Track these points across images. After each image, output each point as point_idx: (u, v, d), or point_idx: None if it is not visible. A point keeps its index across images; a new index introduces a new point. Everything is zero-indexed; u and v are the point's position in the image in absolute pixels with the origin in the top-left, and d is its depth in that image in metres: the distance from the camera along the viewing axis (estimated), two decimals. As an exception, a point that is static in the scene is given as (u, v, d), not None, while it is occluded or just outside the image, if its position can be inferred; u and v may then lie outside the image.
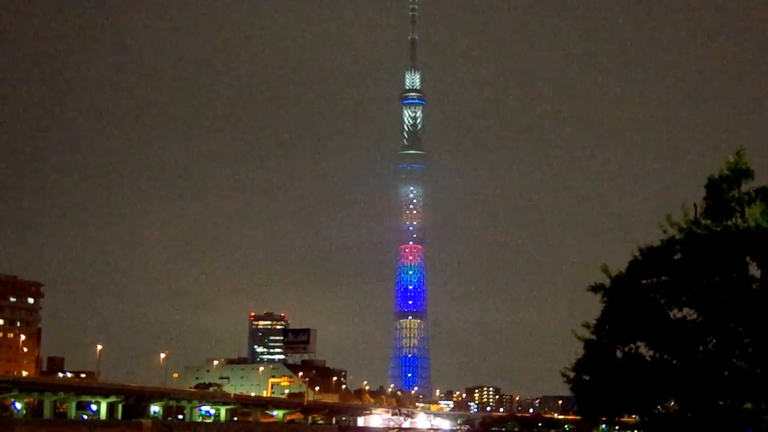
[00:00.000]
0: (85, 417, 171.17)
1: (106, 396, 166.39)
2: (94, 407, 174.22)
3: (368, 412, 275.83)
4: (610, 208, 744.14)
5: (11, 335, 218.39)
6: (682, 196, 26.37)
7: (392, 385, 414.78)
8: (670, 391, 25.47)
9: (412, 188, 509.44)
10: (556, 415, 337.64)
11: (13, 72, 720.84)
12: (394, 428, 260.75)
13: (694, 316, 25.30)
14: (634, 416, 29.07)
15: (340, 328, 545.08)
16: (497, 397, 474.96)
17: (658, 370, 25.16)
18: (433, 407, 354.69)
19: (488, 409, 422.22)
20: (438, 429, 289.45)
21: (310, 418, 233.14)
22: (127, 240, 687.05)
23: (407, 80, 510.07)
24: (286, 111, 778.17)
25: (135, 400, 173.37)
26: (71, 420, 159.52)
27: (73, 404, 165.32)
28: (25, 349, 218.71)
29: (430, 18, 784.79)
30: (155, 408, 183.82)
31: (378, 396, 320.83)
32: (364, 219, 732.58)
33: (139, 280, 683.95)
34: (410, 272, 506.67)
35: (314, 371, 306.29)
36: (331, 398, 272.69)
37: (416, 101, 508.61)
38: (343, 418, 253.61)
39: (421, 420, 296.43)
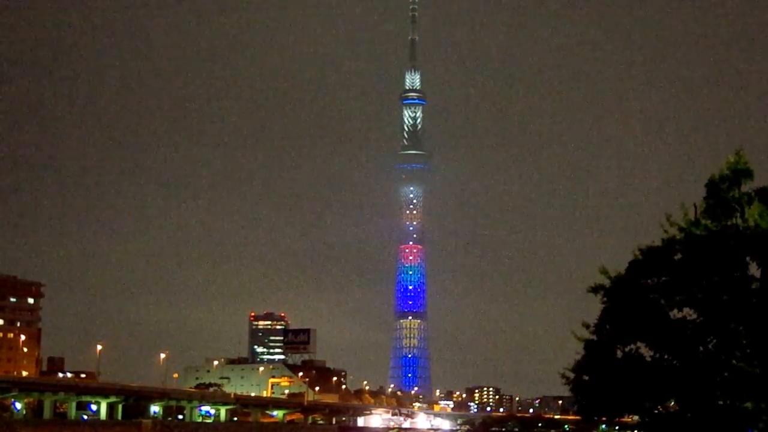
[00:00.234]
0: (85, 417, 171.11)
1: (106, 396, 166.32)
2: (94, 407, 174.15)
3: (368, 412, 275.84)
4: (610, 208, 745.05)
5: (11, 335, 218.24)
6: (682, 196, 26.39)
7: (392, 385, 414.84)
8: (670, 391, 25.46)
9: (412, 188, 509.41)
10: (554, 415, 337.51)
11: (13, 72, 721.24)
12: (394, 428, 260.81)
13: (694, 316, 25.29)
14: (633, 416, 29.08)
15: (340, 328, 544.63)
16: (497, 397, 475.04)
17: (658, 370, 25.16)
18: (437, 407, 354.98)
19: (488, 409, 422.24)
20: (438, 429, 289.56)
21: (310, 418, 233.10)
22: (127, 240, 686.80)
23: (407, 80, 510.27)
24: (286, 111, 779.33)
25: (135, 400, 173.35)
26: (71, 420, 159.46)
27: (73, 404, 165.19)
28: (25, 349, 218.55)
29: (430, 18, 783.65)
30: (155, 408, 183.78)
31: (378, 396, 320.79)
32: (364, 219, 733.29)
33: (139, 280, 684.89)
34: (410, 272, 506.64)
35: (314, 371, 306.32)
36: (331, 398, 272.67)
37: (416, 101, 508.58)
38: (343, 418, 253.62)
39: (421, 420, 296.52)
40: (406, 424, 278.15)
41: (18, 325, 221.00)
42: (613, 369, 25.78)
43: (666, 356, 25.44)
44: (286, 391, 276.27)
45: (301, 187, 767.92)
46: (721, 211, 25.55)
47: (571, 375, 26.84)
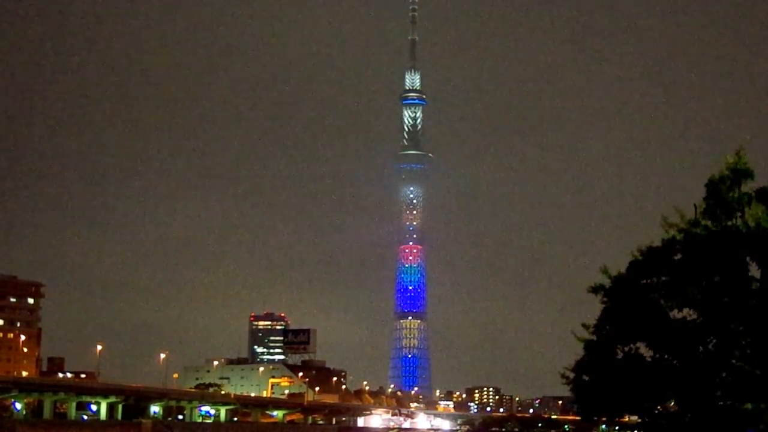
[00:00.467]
0: (85, 417, 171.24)
1: (106, 396, 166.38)
2: (94, 407, 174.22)
3: (368, 412, 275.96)
4: (610, 208, 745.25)
5: (11, 335, 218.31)
6: (682, 196, 26.40)
7: (392, 386, 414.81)
8: (670, 391, 25.46)
9: (412, 188, 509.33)
10: (553, 415, 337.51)
11: (13, 72, 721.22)
12: (393, 428, 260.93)
13: (694, 316, 25.29)
14: (633, 416, 29.08)
15: (340, 328, 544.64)
16: (497, 397, 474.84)
17: (658, 370, 25.14)
18: (440, 408, 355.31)
19: (488, 409, 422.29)
20: (438, 429, 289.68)
21: (310, 418, 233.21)
22: (127, 240, 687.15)
23: (407, 80, 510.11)
24: (286, 111, 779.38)
25: (135, 400, 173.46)
26: (71, 420, 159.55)
27: (73, 404, 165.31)
28: (25, 349, 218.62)
29: (430, 18, 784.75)
30: (155, 408, 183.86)
31: (378, 396, 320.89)
32: (364, 219, 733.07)
33: (139, 280, 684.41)
34: (410, 272, 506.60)
35: (314, 371, 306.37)
36: (331, 398, 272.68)
37: (416, 101, 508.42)
38: (343, 419, 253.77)
39: (421, 420, 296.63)
40: (406, 425, 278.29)
41: (18, 325, 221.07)
42: (613, 369, 25.76)
43: (666, 356, 25.43)
44: (286, 392, 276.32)
45: (301, 187, 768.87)
46: (722, 211, 25.55)
47: (571, 375, 26.82)
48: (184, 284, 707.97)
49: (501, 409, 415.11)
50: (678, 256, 25.67)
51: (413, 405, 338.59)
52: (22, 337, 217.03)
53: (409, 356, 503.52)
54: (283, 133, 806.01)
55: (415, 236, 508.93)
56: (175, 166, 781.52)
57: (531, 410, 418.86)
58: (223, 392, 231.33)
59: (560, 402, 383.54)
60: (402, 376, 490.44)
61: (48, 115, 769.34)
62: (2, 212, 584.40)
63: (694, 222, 25.51)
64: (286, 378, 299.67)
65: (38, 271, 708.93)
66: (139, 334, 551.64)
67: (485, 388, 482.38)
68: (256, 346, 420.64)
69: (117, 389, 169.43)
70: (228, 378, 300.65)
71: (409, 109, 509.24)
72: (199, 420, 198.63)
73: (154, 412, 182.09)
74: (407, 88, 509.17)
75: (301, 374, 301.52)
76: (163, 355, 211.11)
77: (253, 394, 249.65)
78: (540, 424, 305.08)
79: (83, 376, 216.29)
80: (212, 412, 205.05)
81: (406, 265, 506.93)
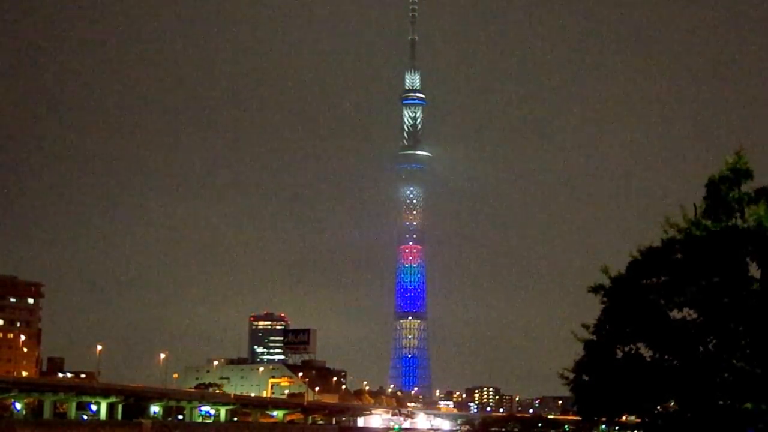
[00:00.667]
0: (85, 417, 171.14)
1: (106, 396, 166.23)
2: (94, 407, 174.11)
3: (368, 412, 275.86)
4: (610, 208, 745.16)
5: (11, 335, 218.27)
6: (682, 196, 26.39)
7: (392, 386, 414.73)
8: (670, 391, 25.44)
9: (412, 188, 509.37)
10: (553, 415, 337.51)
11: (13, 72, 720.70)
12: (393, 428, 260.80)
13: (694, 316, 25.29)
14: (633, 416, 29.06)
15: (340, 328, 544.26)
16: (497, 397, 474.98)
17: (658, 371, 25.13)
18: (442, 408, 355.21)
19: (488, 409, 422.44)
20: (438, 429, 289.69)
21: (310, 418, 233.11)
22: (127, 240, 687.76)
23: (407, 80, 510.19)
24: (286, 111, 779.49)
25: (135, 401, 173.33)
26: (71, 420, 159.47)
27: (73, 404, 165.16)
28: (25, 350, 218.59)
29: (430, 18, 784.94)
30: (155, 408, 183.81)
31: (378, 396, 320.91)
32: (364, 219, 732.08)
33: (139, 280, 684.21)
34: (410, 272, 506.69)
35: (314, 371, 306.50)
36: (331, 398, 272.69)
37: (416, 101, 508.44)
38: (343, 419, 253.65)
39: (421, 420, 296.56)
40: (406, 424, 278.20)
41: (18, 325, 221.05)
42: (613, 369, 25.75)
43: (666, 356, 25.42)
44: (286, 392, 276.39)
45: (301, 186, 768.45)
46: (722, 211, 25.55)
47: (571, 375, 26.82)
48: (185, 284, 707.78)
49: (501, 409, 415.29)
50: (678, 256, 25.66)
51: (410, 405, 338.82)
52: (22, 337, 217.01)
53: (409, 356, 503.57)
54: (283, 133, 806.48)
55: (415, 236, 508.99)
56: (175, 166, 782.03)
57: (531, 410, 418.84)
58: (223, 392, 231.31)
59: (560, 402, 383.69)
60: (402, 376, 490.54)
61: (48, 115, 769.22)
62: (2, 212, 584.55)
63: (694, 222, 25.52)
64: (286, 378, 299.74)
65: (38, 271, 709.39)
66: (139, 334, 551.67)
67: (485, 388, 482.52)
68: (256, 346, 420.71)
69: (117, 389, 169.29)
70: (228, 378, 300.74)
71: (409, 109, 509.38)
72: (199, 420, 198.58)
73: (154, 412, 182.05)
74: (407, 88, 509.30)
75: (301, 374, 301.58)
76: (163, 355, 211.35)
77: (253, 394, 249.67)
78: (540, 424, 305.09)
79: (83, 376, 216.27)
80: (212, 412, 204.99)
81: (406, 265, 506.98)
